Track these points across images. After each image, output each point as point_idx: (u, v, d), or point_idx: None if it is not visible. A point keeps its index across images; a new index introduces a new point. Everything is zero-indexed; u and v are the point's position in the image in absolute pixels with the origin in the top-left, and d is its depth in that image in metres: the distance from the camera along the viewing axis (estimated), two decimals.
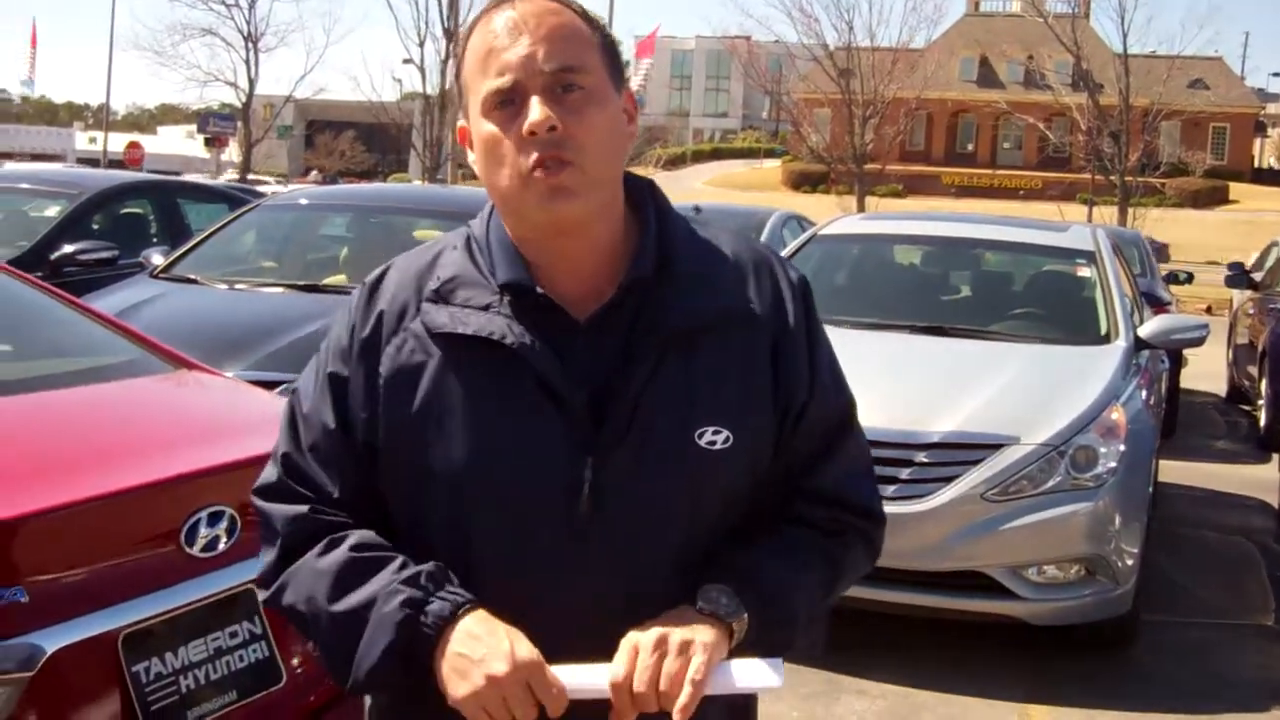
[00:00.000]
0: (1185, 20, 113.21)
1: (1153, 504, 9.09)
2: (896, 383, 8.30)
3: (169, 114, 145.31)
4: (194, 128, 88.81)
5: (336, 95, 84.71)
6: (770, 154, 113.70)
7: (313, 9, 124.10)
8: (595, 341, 2.47)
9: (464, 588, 2.42)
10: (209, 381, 5.16)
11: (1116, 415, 8.08)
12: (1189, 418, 17.29)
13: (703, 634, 2.32)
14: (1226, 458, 15.52)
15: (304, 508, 2.57)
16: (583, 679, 2.31)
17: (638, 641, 2.31)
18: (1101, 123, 57.51)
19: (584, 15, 2.52)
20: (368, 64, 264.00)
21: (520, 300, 2.48)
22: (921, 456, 7.66)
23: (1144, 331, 9.66)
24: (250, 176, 62.56)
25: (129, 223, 14.38)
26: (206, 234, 11.77)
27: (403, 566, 2.43)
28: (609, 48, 2.54)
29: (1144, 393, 9.12)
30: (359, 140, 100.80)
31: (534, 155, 2.39)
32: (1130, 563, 7.88)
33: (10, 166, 24.97)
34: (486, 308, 2.48)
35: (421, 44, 67.20)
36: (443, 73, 66.13)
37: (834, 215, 14.75)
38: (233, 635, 3.89)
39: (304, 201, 12.84)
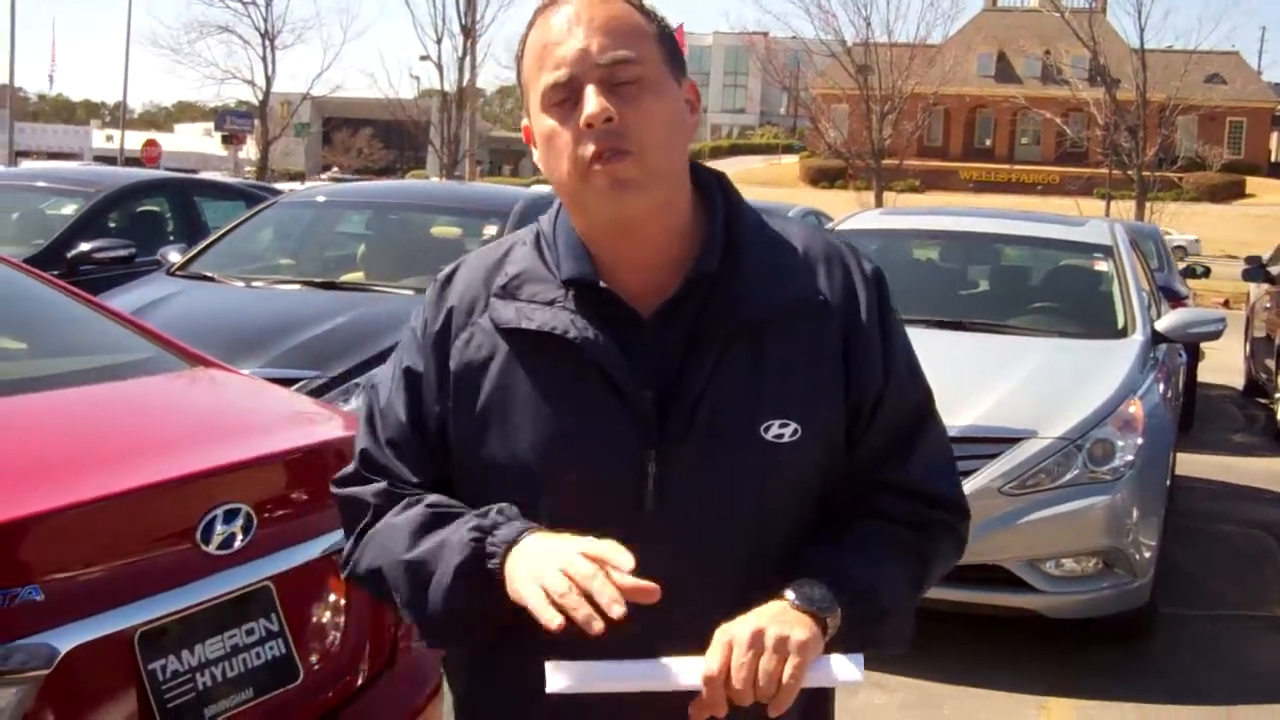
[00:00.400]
0: (1202, 15, 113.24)
1: (1170, 497, 9.10)
2: None
3: (186, 111, 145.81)
4: (211, 125, 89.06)
5: (354, 92, 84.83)
6: (788, 150, 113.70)
7: (330, 6, 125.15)
8: (660, 335, 2.48)
9: None
10: (225, 379, 5.16)
11: (1134, 409, 8.07)
12: (1206, 411, 17.27)
13: (799, 631, 2.29)
14: (1244, 451, 15.50)
15: (383, 483, 2.61)
16: (670, 672, 2.31)
17: (733, 636, 2.28)
18: (1119, 117, 57.46)
19: (640, 7, 2.52)
20: (385, 61, 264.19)
21: (585, 295, 2.49)
22: None
23: (1161, 325, 9.66)
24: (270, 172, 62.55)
25: (146, 220, 14.40)
26: (223, 231, 11.77)
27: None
28: (667, 39, 2.53)
29: (1161, 386, 9.12)
30: (376, 137, 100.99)
31: (592, 147, 2.38)
32: (1148, 556, 7.88)
33: (27, 165, 25.07)
34: (552, 303, 2.49)
35: (439, 40, 67.31)
36: (460, 69, 66.13)
37: (852, 211, 14.76)
38: (249, 632, 3.88)
39: (321, 199, 12.84)
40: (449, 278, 2.67)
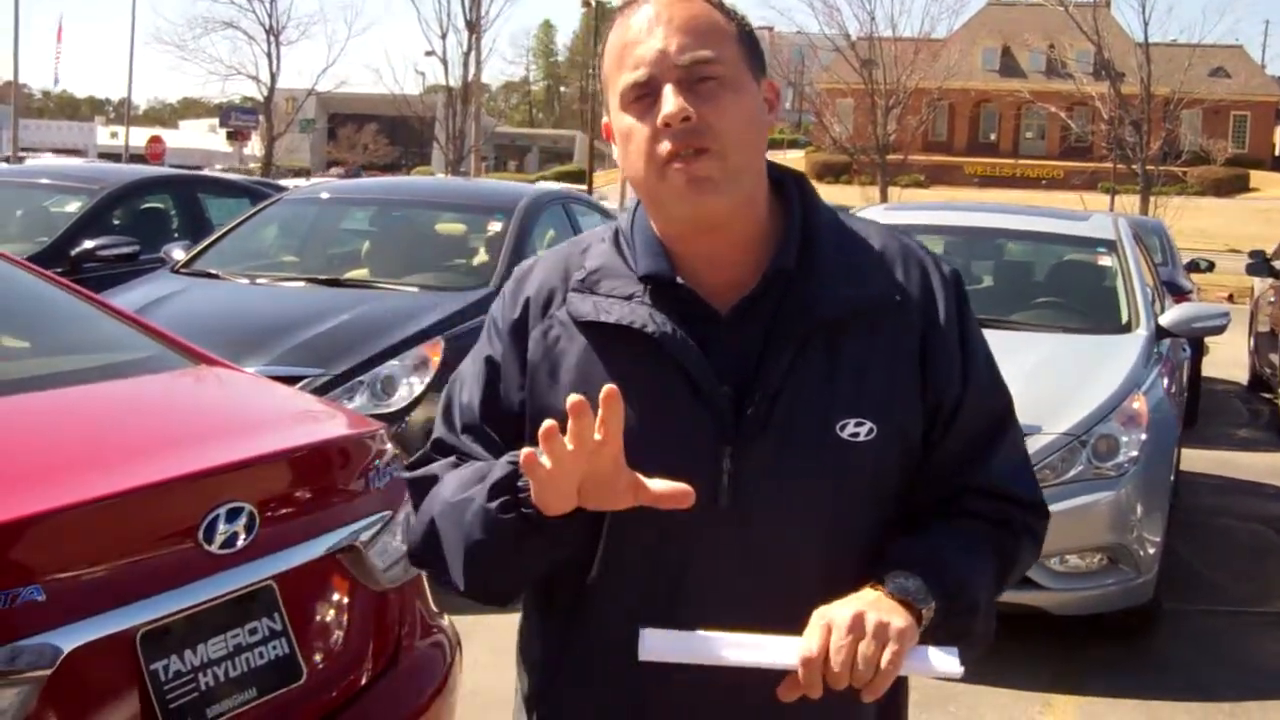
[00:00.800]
0: (1206, 8, 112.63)
1: (1174, 492, 9.09)
2: None
3: (191, 108, 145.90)
4: (216, 122, 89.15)
5: (359, 88, 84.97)
6: (793, 145, 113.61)
7: (334, 1, 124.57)
8: (737, 333, 2.49)
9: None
10: (228, 377, 5.15)
11: (1138, 404, 8.07)
12: (1210, 406, 17.23)
13: (897, 618, 2.30)
14: (1248, 446, 15.48)
15: (452, 458, 2.64)
16: (765, 649, 2.30)
17: (831, 619, 2.28)
18: (1123, 111, 57.37)
19: (720, 6, 2.53)
20: (390, 57, 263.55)
21: (662, 291, 2.51)
22: None
23: (1165, 320, 9.65)
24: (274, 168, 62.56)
25: (150, 218, 14.40)
26: (227, 228, 11.79)
27: None
28: (746, 37, 2.55)
29: (1165, 381, 9.11)
30: (381, 133, 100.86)
31: (668, 145, 2.40)
32: (1152, 551, 7.88)
33: (31, 162, 25.04)
34: (629, 298, 2.51)
35: (444, 36, 67.27)
36: (465, 65, 66.12)
37: (857, 206, 14.73)
38: (252, 632, 3.88)
39: (325, 195, 12.84)
40: (527, 271, 2.70)
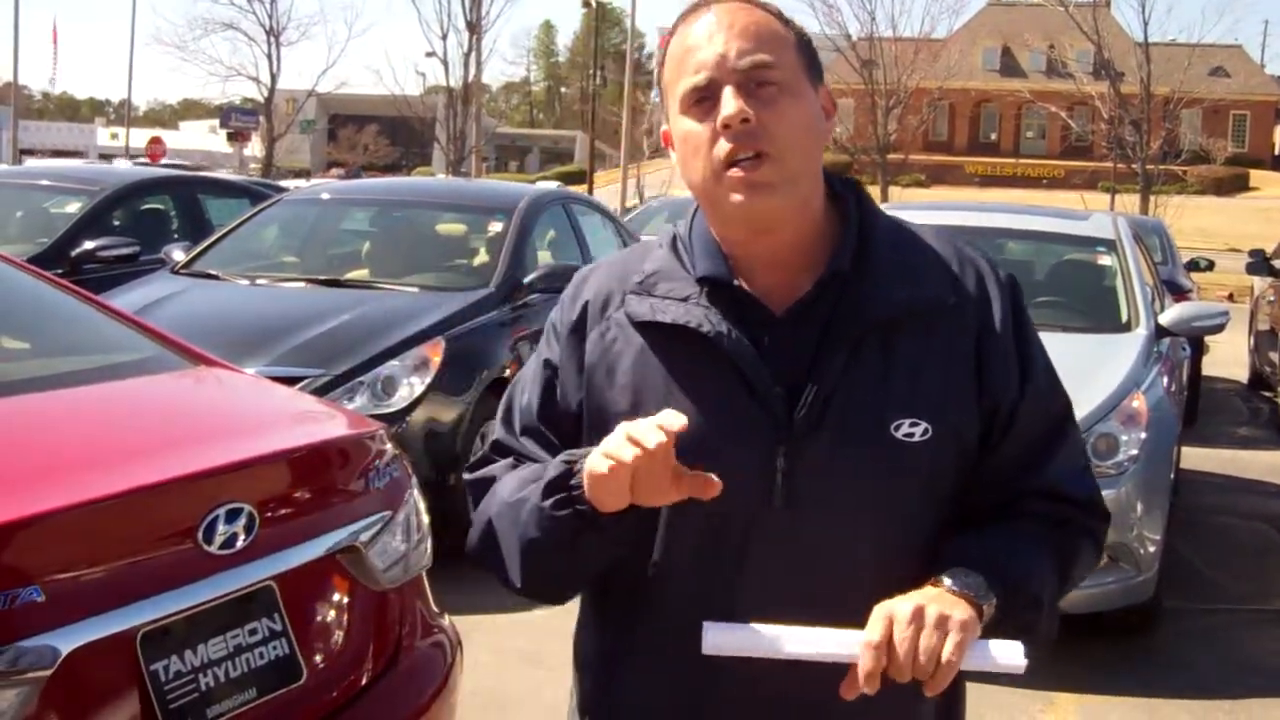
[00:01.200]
0: (1205, 8, 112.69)
1: (1175, 491, 9.10)
2: None
3: (191, 109, 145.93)
4: (216, 123, 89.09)
5: (359, 89, 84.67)
6: None
7: (335, 2, 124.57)
8: (792, 334, 2.51)
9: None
10: (228, 378, 5.16)
11: (1138, 403, 8.06)
12: (1210, 405, 17.25)
13: (959, 612, 2.30)
14: (1248, 444, 15.51)
15: (510, 459, 2.67)
16: (827, 642, 2.31)
17: (892, 612, 2.28)
18: (1123, 111, 57.30)
19: (779, 15, 2.56)
20: (390, 57, 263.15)
21: (718, 293, 2.53)
22: None
23: (1165, 319, 9.65)
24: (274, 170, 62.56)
25: (150, 218, 14.41)
26: (228, 229, 11.80)
27: None
28: (805, 45, 2.58)
29: (1165, 380, 9.11)
30: (382, 134, 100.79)
31: (727, 146, 2.42)
32: (1153, 550, 7.87)
33: (31, 163, 25.07)
34: (686, 299, 2.54)
35: (444, 37, 66.92)
36: (466, 65, 66.01)
37: None
38: (252, 632, 3.88)
39: (325, 196, 12.85)
40: (585, 275, 2.73)
